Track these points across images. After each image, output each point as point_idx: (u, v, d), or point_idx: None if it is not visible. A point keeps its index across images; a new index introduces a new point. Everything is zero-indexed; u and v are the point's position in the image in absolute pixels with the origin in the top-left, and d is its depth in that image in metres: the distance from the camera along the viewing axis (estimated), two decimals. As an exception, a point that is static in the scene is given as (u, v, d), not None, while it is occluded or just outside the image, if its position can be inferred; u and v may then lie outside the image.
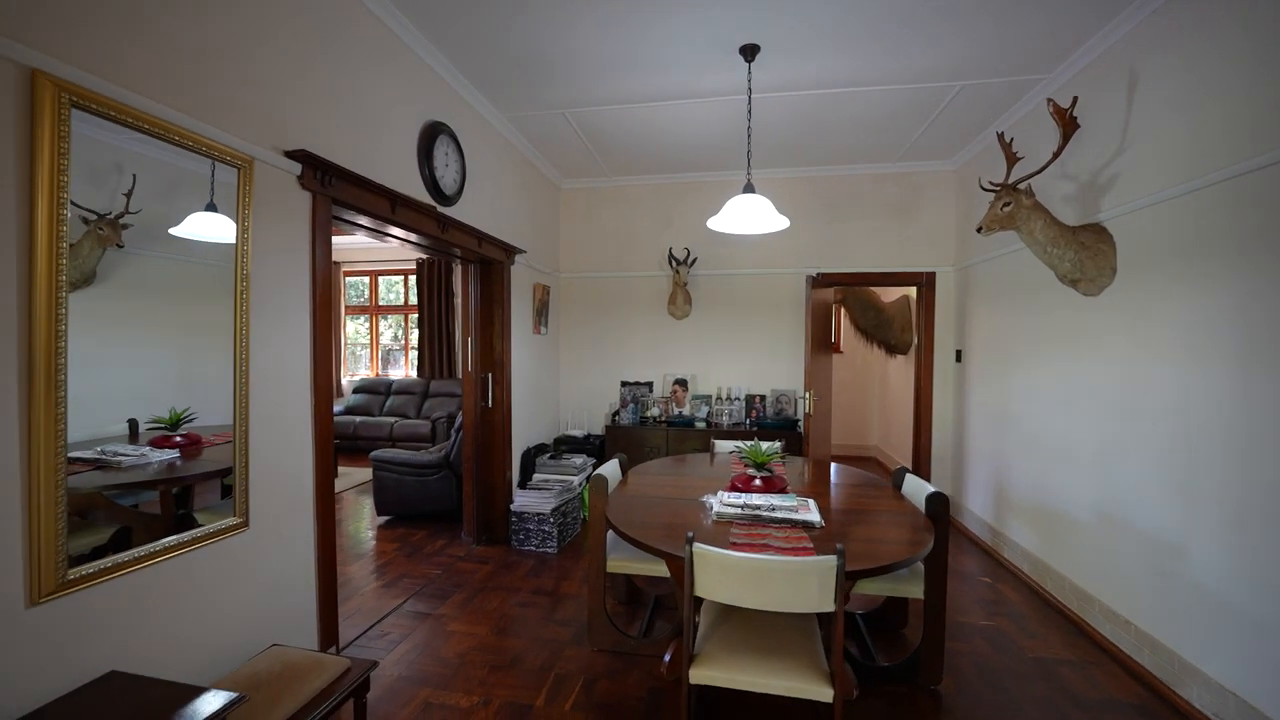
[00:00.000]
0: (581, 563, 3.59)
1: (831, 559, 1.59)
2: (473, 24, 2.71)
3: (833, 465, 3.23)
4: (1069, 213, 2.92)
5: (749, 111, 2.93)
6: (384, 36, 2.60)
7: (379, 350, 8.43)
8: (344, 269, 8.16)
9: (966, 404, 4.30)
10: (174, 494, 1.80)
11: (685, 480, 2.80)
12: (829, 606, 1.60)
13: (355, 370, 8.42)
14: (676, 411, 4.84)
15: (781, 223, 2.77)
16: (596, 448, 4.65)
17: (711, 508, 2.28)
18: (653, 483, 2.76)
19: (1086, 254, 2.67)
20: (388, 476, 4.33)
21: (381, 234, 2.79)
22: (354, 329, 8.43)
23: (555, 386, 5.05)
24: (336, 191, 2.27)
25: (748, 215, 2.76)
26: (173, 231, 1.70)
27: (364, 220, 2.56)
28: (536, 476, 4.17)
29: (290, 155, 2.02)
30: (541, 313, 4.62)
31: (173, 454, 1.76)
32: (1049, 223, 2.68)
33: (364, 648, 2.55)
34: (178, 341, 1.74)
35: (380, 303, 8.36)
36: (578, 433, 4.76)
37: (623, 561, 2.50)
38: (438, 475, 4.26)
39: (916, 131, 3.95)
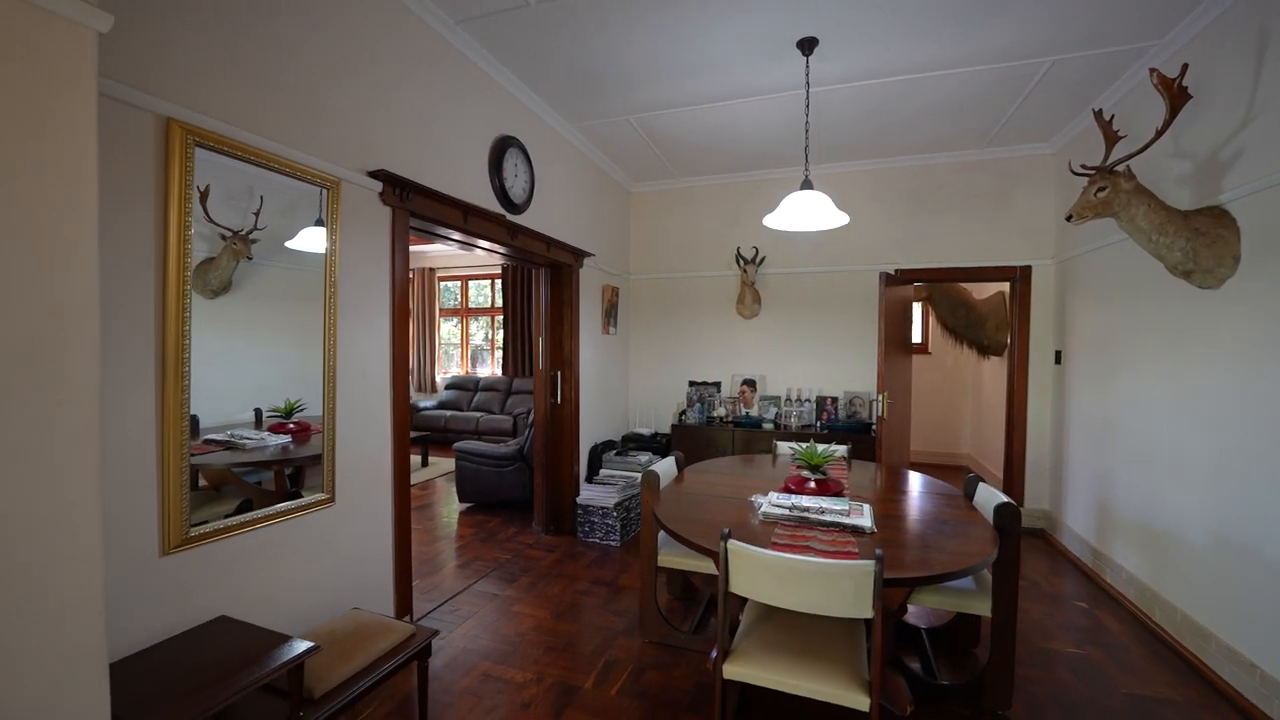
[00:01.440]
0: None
1: (868, 564, 1.55)
2: (544, 46, 2.88)
3: (910, 473, 3.08)
4: (1183, 196, 2.59)
5: (807, 106, 2.86)
6: (459, 63, 2.83)
7: (468, 349, 9.04)
8: (438, 275, 8.84)
9: (1066, 410, 3.91)
10: (286, 474, 2.09)
11: (741, 480, 2.80)
12: (865, 612, 1.56)
13: (448, 368, 9.08)
14: (744, 412, 4.80)
15: (840, 219, 2.69)
16: (663, 446, 4.72)
17: (760, 507, 2.27)
18: (707, 481, 2.78)
19: (1202, 241, 2.36)
20: (468, 466, 4.66)
21: (455, 242, 3.03)
22: (447, 330, 9.09)
23: (623, 385, 5.18)
24: (413, 205, 2.51)
25: (805, 212, 2.71)
26: (288, 244, 1.99)
27: (439, 230, 2.80)
28: (603, 472, 4.31)
29: (372, 175, 2.27)
30: (610, 313, 4.76)
31: (286, 439, 2.05)
32: (1154, 207, 2.39)
33: (436, 620, 2.79)
34: (293, 341, 2.03)
35: (470, 305, 8.96)
36: (645, 431, 4.86)
37: (673, 557, 2.55)
38: (512, 467, 4.52)
39: (1005, 114, 3.65)
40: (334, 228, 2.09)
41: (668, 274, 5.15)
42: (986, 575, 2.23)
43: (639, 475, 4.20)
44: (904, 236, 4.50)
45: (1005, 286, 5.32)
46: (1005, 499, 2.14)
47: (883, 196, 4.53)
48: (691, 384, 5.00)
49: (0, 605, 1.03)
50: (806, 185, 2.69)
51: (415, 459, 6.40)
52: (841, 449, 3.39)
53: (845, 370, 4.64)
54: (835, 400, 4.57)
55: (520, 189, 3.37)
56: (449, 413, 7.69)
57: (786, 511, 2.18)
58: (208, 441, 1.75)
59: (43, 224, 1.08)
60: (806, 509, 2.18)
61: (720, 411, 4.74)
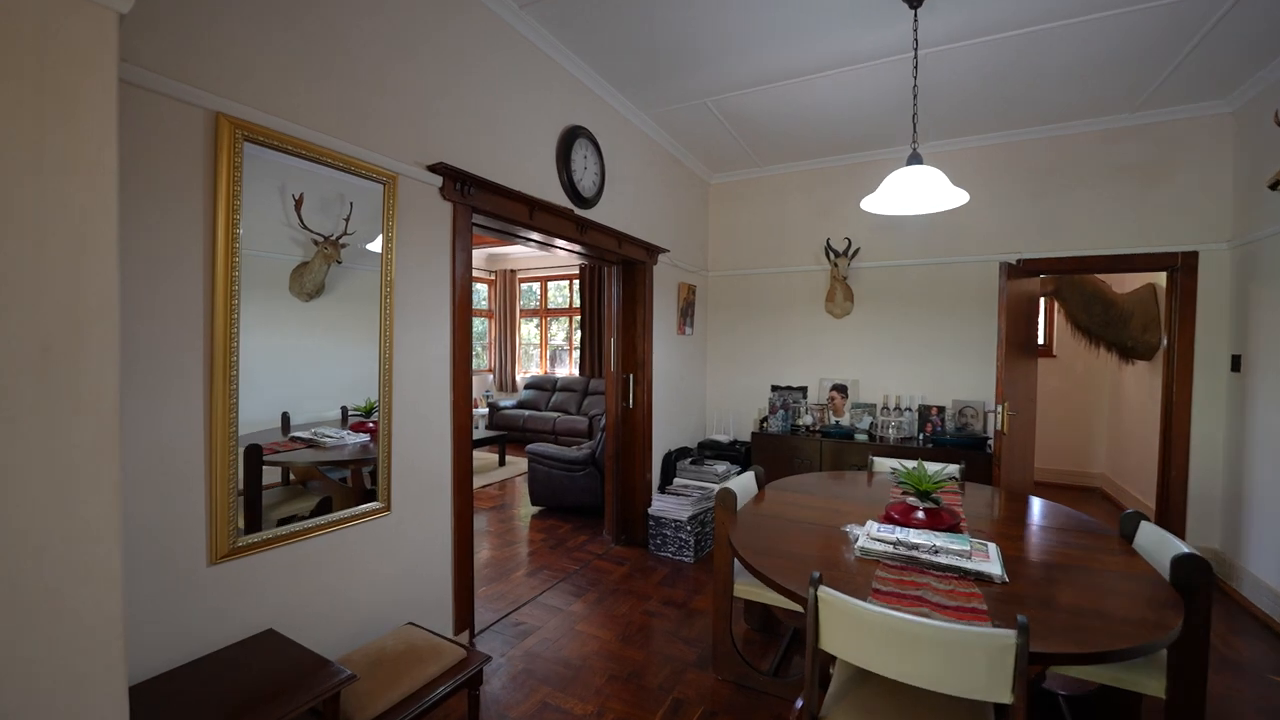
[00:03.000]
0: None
1: (1009, 634, 1.19)
2: (611, 27, 2.68)
3: (1039, 501, 2.58)
4: None
5: (915, 68, 2.45)
6: (524, 49, 2.70)
7: (546, 349, 9.12)
8: (519, 276, 8.99)
9: (1248, 428, 3.16)
10: (366, 472, 2.05)
11: (832, 502, 2.44)
12: (1001, 695, 1.20)
13: (528, 368, 9.21)
14: (833, 421, 4.36)
15: (957, 197, 2.27)
16: (742, 455, 4.39)
17: (856, 540, 1.93)
18: (792, 501, 2.45)
19: None
20: (540, 469, 4.58)
21: (520, 239, 2.90)
22: (527, 330, 9.23)
23: (700, 389, 4.90)
24: (475, 200, 2.39)
25: (913, 192, 2.30)
26: (368, 247, 1.97)
27: (503, 226, 2.68)
28: (676, 481, 4.06)
29: (431, 169, 2.17)
30: (686, 312, 4.50)
31: (365, 438, 2.02)
32: None
33: (498, 633, 2.67)
34: (372, 340, 2.01)
35: (549, 306, 9.03)
36: (723, 438, 4.55)
37: (751, 588, 2.26)
38: (584, 471, 4.39)
39: (1167, 67, 2.99)
40: (390, 224, 2.00)
41: (749, 270, 4.80)
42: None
43: (715, 487, 3.91)
44: (1028, 221, 3.88)
45: (1157, 278, 4.49)
46: (1188, 549, 1.66)
47: (1002, 176, 3.93)
48: (774, 389, 4.63)
49: (11, 627, 0.95)
50: (915, 160, 2.29)
51: (492, 458, 6.49)
52: (952, 468, 2.92)
53: (954, 376, 4.08)
54: (942, 410, 4.03)
55: (590, 182, 3.20)
56: (527, 412, 7.76)
57: (890, 548, 1.82)
58: (293, 439, 1.79)
59: (58, 220, 0.99)
60: (916, 546, 1.81)
61: (807, 420, 4.34)
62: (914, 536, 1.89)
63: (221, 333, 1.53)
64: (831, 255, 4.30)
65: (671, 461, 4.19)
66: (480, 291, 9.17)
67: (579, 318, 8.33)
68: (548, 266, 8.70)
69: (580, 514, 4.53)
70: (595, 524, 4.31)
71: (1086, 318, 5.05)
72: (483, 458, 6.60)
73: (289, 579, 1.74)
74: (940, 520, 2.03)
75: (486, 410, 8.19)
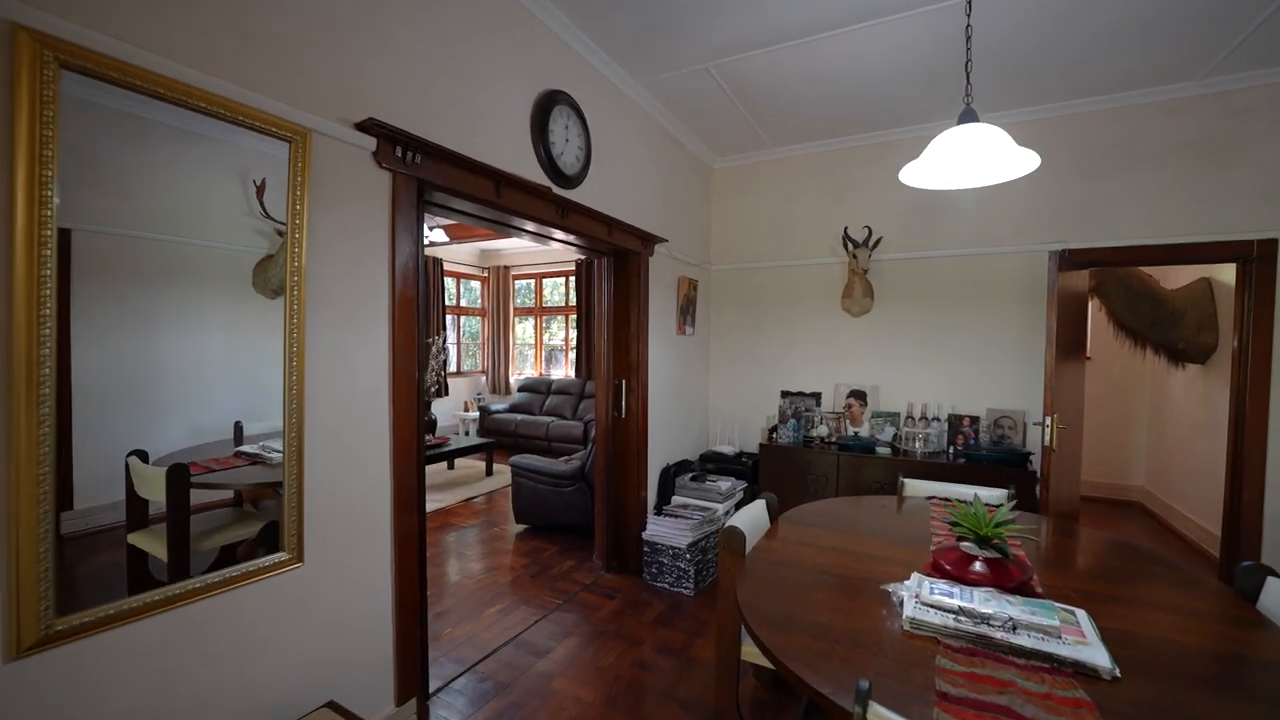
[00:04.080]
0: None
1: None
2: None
3: (1107, 537, 2.11)
4: None
5: (969, 6, 1.99)
6: (490, -8, 2.25)
7: (542, 350, 8.68)
8: (512, 273, 8.56)
9: (1347, 446, 2.69)
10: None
11: (861, 541, 1.99)
12: None
13: (522, 369, 8.78)
14: (851, 432, 3.90)
15: (1025, 162, 1.80)
16: (749, 469, 3.94)
17: (901, 604, 1.47)
18: (813, 541, 2.00)
19: None
20: (525, 484, 4.15)
21: (483, 222, 2.46)
22: (521, 330, 8.80)
23: (703, 395, 4.45)
24: (424, 171, 1.95)
25: (968, 157, 1.84)
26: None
27: (462, 205, 2.23)
28: (675, 500, 3.62)
29: (360, 127, 1.72)
30: (687, 310, 4.05)
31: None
32: None
33: (459, 693, 2.23)
34: (280, 347, 1.61)
35: (544, 304, 8.60)
36: (727, 449, 4.10)
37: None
38: (573, 487, 3.95)
39: (1247, 26, 2.53)
40: (299, 194, 1.56)
41: (756, 263, 4.35)
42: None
43: (720, 506, 3.46)
44: (1076, 207, 3.41)
45: (1214, 271, 4.01)
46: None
47: (1048, 155, 3.45)
48: (785, 395, 4.17)
49: None
50: (968, 118, 1.82)
51: (479, 466, 6.06)
52: (997, 494, 2.46)
53: (988, 382, 3.61)
54: (975, 421, 3.56)
55: (573, 158, 2.75)
56: (519, 417, 7.33)
57: (951, 619, 1.37)
58: (238, 454, 1.54)
59: None
60: (986, 619, 1.36)
61: (822, 430, 3.88)
62: (980, 602, 1.43)
63: (23, 340, 1.09)
64: (850, 246, 3.84)
65: (670, 477, 3.74)
66: (474, 289, 8.74)
67: (575, 316, 7.89)
68: (543, 263, 8.27)
69: (569, 533, 4.09)
70: (585, 545, 3.87)
71: (1133, 317, 4.57)
72: (470, 466, 6.17)
73: (151, 664, 1.30)
74: (1007, 576, 1.58)
75: (477, 414, 7.76)
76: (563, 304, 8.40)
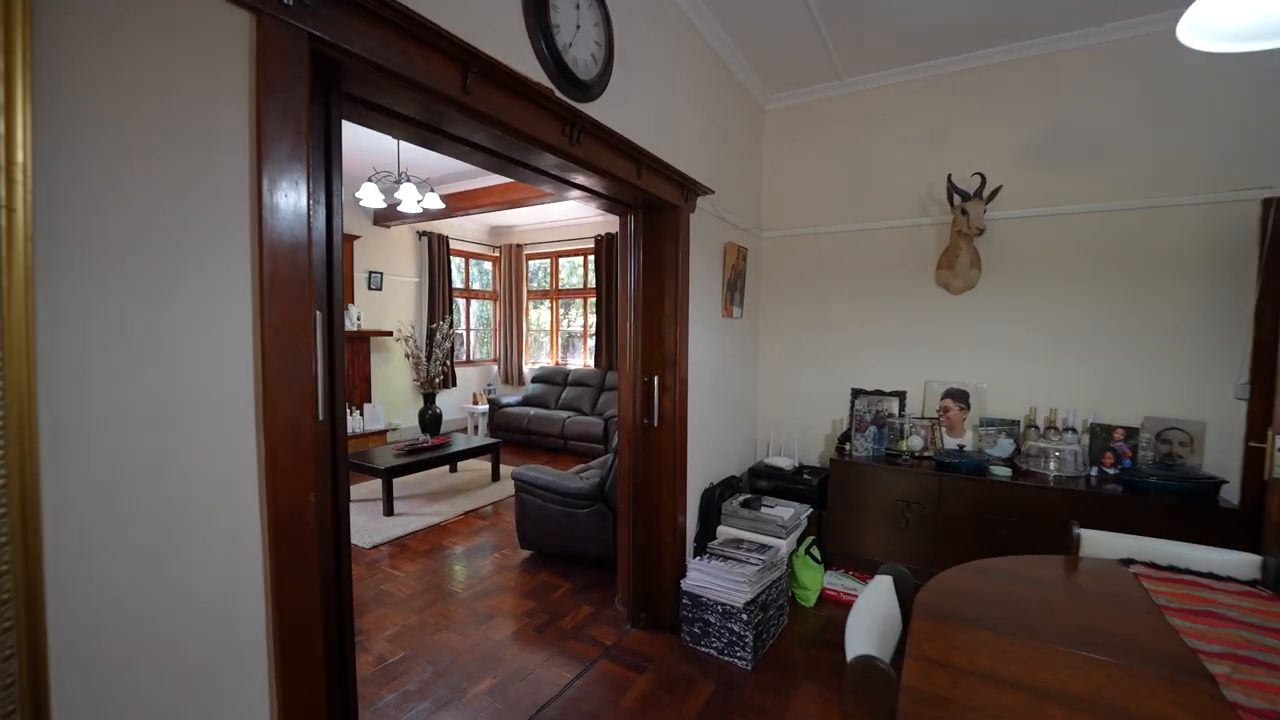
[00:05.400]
0: (792, 701, 2.10)
1: None
2: None
3: None
4: None
5: None
6: None
7: (558, 336, 7.89)
8: (526, 252, 7.75)
9: None
10: None
11: (1082, 667, 1.12)
12: None
13: (536, 358, 8.01)
14: (955, 444, 3.01)
15: None
16: (814, 490, 3.08)
17: None
18: (999, 670, 1.14)
19: None
20: (531, 503, 3.36)
21: (449, 139, 1.61)
22: (536, 315, 8.01)
23: (751, 394, 3.59)
24: (331, 26, 1.12)
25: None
26: None
27: (407, 105, 1.39)
28: (722, 530, 2.79)
29: (170, -100, 0.90)
30: (735, 285, 3.18)
31: None
32: None
33: None
34: None
35: (560, 286, 7.78)
36: (784, 463, 3.24)
37: None
38: (589, 509, 3.14)
39: None
40: (16, 37, 0.74)
41: (820, 227, 3.44)
42: None
43: (781, 544, 2.63)
44: (1293, 135, 2.43)
45: None
46: None
47: (1257, 69, 2.47)
48: (857, 393, 3.29)
49: None
50: None
51: (483, 469, 5.30)
52: (1231, 560, 1.57)
53: (1150, 382, 2.67)
54: (1131, 434, 2.64)
55: (586, 55, 1.89)
56: (533, 411, 6.56)
57: None
58: None
59: None
60: None
61: (914, 442, 2.99)
62: None
63: None
64: (956, 200, 2.91)
65: (714, 500, 2.90)
66: (487, 271, 7.96)
67: (594, 300, 7.07)
68: (558, 240, 7.45)
69: (585, 565, 3.30)
70: (604, 582, 3.07)
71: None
72: (476, 468, 5.43)
73: None
74: None
75: (486, 408, 7.02)
76: (580, 286, 7.58)
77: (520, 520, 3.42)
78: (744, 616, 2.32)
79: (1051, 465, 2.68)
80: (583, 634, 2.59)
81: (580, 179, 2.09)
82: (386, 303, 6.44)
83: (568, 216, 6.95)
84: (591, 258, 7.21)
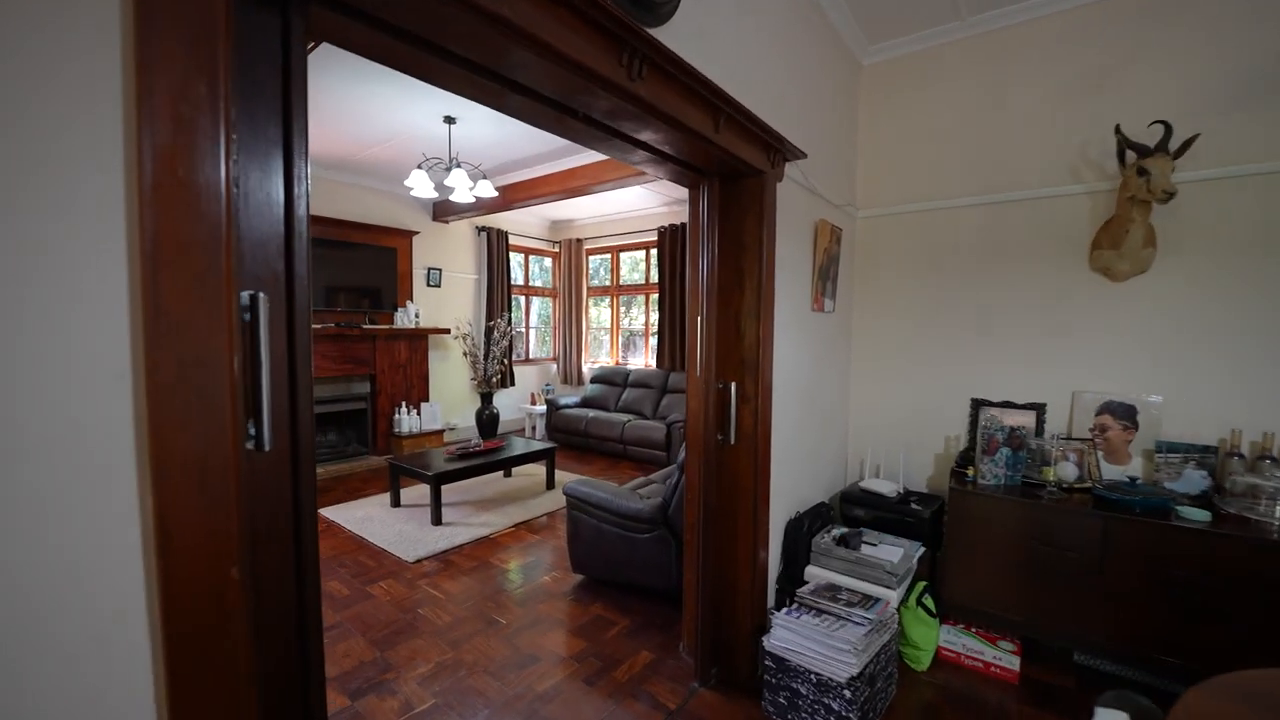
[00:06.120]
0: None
1: None
2: None
3: None
4: None
5: None
6: None
7: (618, 335, 7.52)
8: (586, 247, 7.44)
9: None
10: None
11: None
12: None
13: (596, 356, 7.68)
14: (1123, 476, 2.34)
15: None
16: (925, 524, 2.51)
17: None
18: None
19: None
20: (586, 522, 2.96)
21: (459, 62, 1.21)
22: (596, 313, 7.68)
23: (843, 403, 3.03)
24: None
25: None
26: None
27: (405, 15, 1.00)
28: (813, 574, 2.28)
29: None
30: (828, 273, 2.65)
31: None
32: None
33: None
34: None
35: (621, 283, 7.41)
36: (886, 488, 2.67)
37: None
38: (651, 534, 2.71)
39: None
40: None
41: (933, 202, 2.84)
42: None
43: (892, 595, 2.09)
44: None
45: None
46: None
47: None
48: (979, 404, 2.68)
49: None
50: None
51: (538, 475, 4.99)
52: None
53: None
54: (1403, 470, 1.91)
55: (653, -33, 1.45)
56: (591, 413, 6.22)
57: None
58: None
59: None
60: None
61: (1066, 470, 2.35)
62: None
63: None
64: (1130, 157, 2.24)
65: (801, 533, 2.39)
66: (547, 268, 7.72)
67: (656, 296, 6.65)
68: (620, 233, 7.08)
69: (645, 597, 2.87)
70: (667, 621, 2.63)
71: None
72: (530, 474, 5.13)
73: None
74: None
75: (544, 408, 6.76)
76: (642, 282, 7.17)
77: (572, 540, 3.04)
78: (847, 694, 1.81)
79: (1264, 508, 1.98)
80: (640, 690, 2.16)
81: (644, 134, 1.65)
82: (445, 300, 6.30)
83: (629, 208, 6.57)
84: (654, 251, 6.79)
